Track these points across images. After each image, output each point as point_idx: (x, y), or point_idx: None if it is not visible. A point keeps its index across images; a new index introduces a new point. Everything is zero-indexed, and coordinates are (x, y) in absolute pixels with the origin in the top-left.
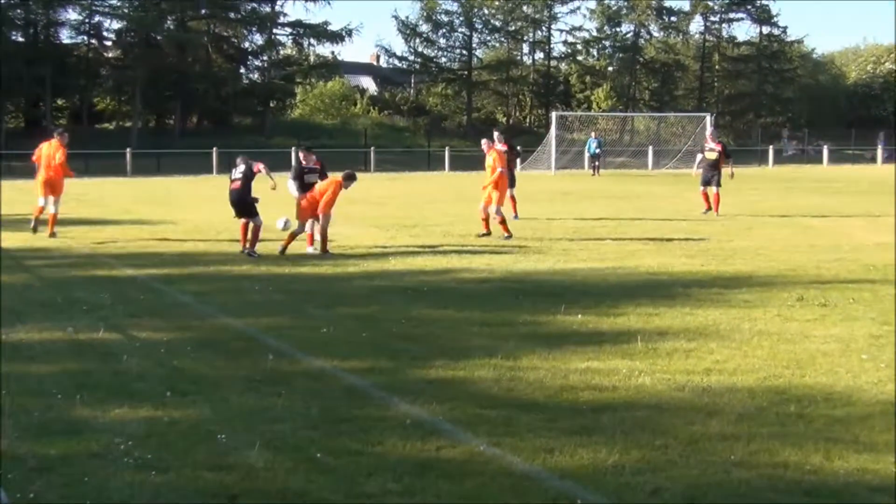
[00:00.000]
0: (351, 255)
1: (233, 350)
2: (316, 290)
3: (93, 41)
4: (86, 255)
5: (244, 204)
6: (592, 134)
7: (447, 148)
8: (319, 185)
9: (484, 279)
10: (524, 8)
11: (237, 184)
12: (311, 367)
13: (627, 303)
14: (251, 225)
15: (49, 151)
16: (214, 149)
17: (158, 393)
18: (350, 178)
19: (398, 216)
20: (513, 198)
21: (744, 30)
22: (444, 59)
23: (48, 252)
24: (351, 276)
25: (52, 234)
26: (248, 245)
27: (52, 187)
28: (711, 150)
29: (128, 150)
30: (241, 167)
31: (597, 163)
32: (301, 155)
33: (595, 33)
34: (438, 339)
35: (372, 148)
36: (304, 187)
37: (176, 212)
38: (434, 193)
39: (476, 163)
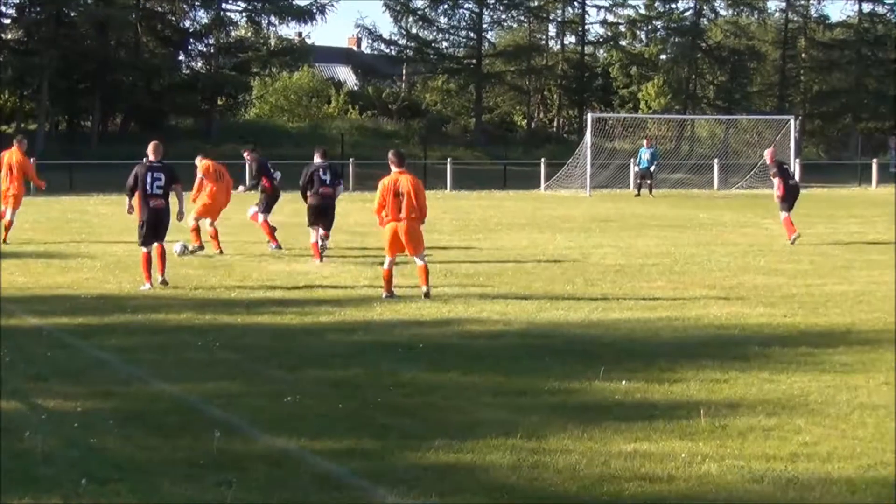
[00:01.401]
0: (323, 300)
1: (168, 425)
2: (277, 347)
3: None
4: None
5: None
6: (645, 142)
7: (449, 160)
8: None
9: (498, 333)
10: None
11: (160, 201)
12: (270, 447)
13: (687, 365)
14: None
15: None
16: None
17: (71, 480)
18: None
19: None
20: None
21: (838, 7)
22: (445, 44)
23: None
24: (323, 328)
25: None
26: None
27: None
28: (775, 173)
29: (32, 159)
30: (162, 178)
31: (649, 180)
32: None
33: (643, 11)
34: (438, 412)
35: (351, 160)
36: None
37: (93, 242)
38: (432, 219)
39: (488, 179)
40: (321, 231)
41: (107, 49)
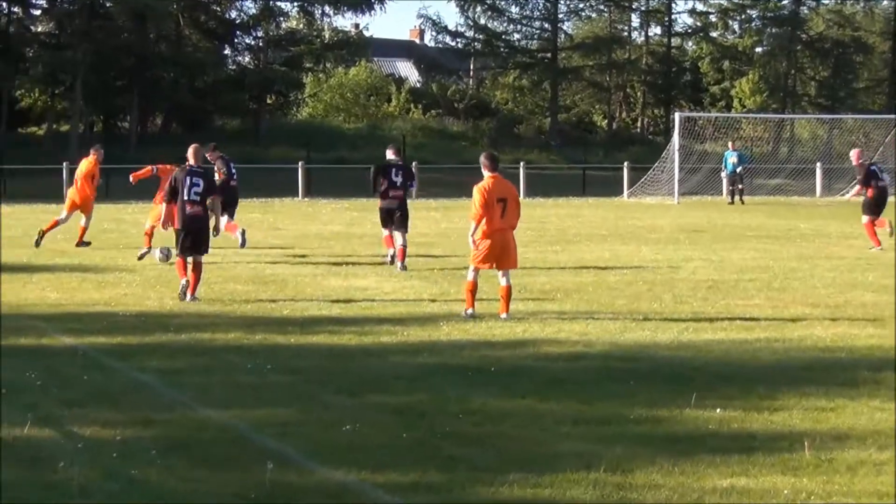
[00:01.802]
0: (384, 318)
1: (215, 455)
2: (334, 370)
3: (15, 10)
4: (3, 317)
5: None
6: (730, 145)
7: (522, 164)
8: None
9: (578, 355)
10: None
11: (198, 209)
12: (328, 480)
13: (788, 392)
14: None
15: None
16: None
17: None
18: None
19: (452, 263)
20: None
21: None
22: (517, 36)
23: None
24: (385, 349)
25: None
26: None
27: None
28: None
29: (64, 164)
30: (201, 184)
31: (739, 185)
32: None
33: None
34: (512, 443)
35: (413, 164)
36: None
37: (133, 254)
38: None
39: (565, 185)
40: (399, 240)
41: (146, 43)
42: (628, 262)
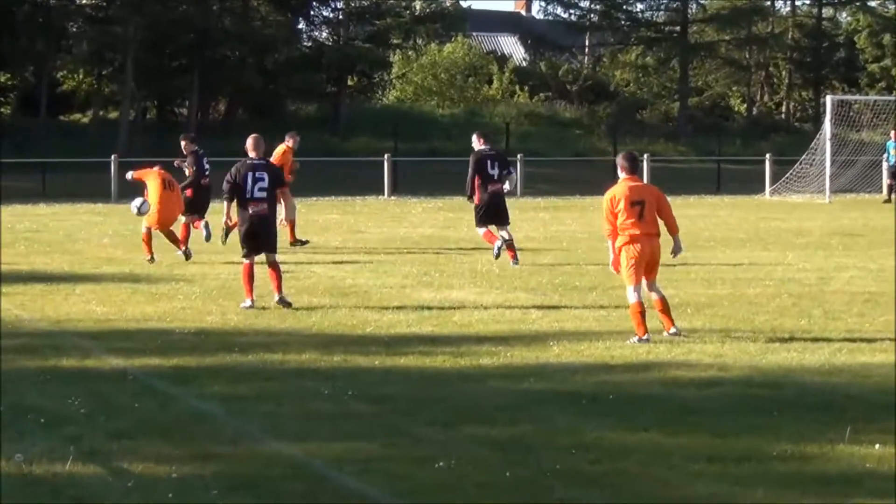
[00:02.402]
0: (483, 337)
1: (286, 495)
2: (426, 398)
3: None
4: (42, 334)
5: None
6: (893, 134)
7: (646, 156)
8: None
9: (712, 380)
10: None
11: (263, 206)
12: None
13: None
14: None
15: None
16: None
17: None
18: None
19: (563, 272)
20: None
21: None
22: (640, 7)
23: None
24: (484, 374)
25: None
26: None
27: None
28: None
29: (112, 157)
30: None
31: (891, 182)
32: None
33: None
34: (633, 483)
35: (519, 156)
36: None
37: (192, 261)
38: None
39: (696, 180)
40: (504, 235)
41: (207, 16)
42: (771, 271)
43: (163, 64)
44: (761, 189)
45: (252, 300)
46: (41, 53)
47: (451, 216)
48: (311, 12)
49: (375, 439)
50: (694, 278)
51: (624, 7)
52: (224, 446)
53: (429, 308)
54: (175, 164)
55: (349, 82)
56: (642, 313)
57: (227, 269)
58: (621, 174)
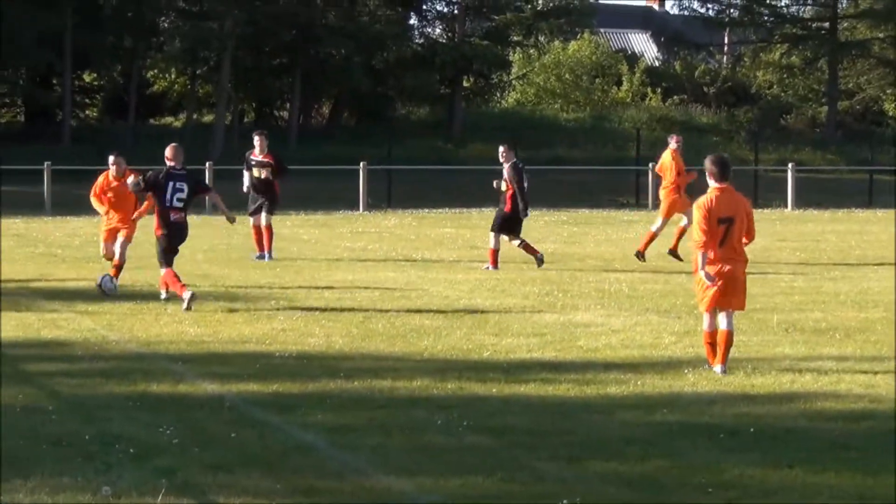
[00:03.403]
0: (611, 364)
1: None
2: (548, 430)
3: None
4: (131, 357)
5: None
6: None
7: (790, 165)
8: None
9: (863, 412)
10: None
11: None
12: None
13: None
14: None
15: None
16: (362, 164)
17: None
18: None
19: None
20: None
21: None
22: (784, 2)
23: (65, 349)
24: (612, 404)
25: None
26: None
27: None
28: None
29: (207, 164)
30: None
31: None
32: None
33: None
34: None
35: (650, 165)
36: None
37: (293, 278)
38: (765, 250)
39: (847, 193)
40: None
41: (311, 11)
42: None
43: (262, 63)
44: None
45: (191, 293)
46: (130, 51)
47: (576, 230)
48: (424, 7)
49: (493, 474)
50: (843, 300)
51: (767, 1)
52: (328, 480)
53: (551, 331)
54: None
55: (465, 83)
56: (712, 344)
57: (332, 288)
58: (711, 181)
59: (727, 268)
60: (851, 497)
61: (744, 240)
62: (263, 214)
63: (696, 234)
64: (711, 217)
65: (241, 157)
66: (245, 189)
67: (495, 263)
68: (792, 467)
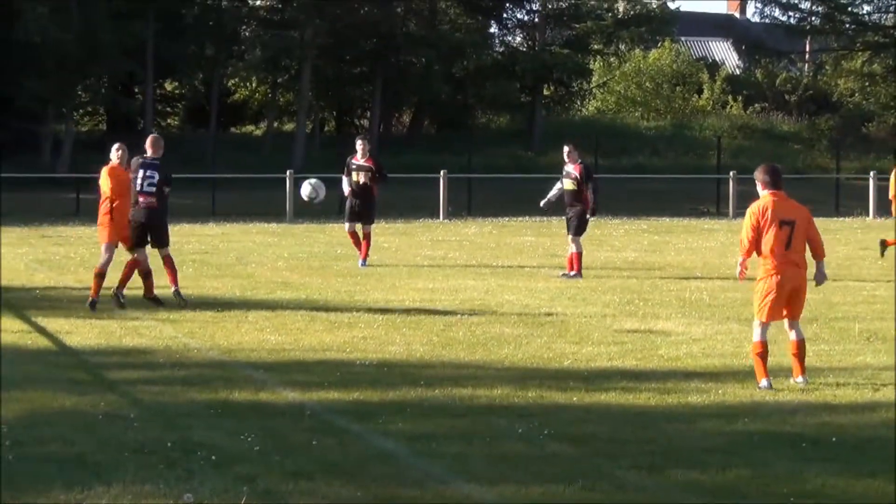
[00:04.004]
0: (692, 373)
1: None
2: (629, 438)
3: None
4: (212, 364)
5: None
6: None
7: (872, 174)
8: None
9: None
10: None
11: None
12: None
13: None
14: None
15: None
16: (442, 172)
17: None
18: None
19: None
20: None
21: None
22: (867, 8)
23: (147, 356)
24: (694, 412)
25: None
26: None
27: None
28: None
29: (288, 173)
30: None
31: None
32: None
33: None
34: None
35: (731, 173)
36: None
37: (373, 286)
38: (847, 258)
39: None
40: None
41: (392, 20)
42: None
43: (342, 71)
44: None
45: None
46: (211, 60)
47: (657, 239)
48: (505, 15)
49: (574, 483)
50: None
51: (849, 9)
52: (409, 489)
53: (632, 340)
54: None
55: (545, 91)
56: (763, 355)
57: (414, 296)
58: (763, 191)
59: (795, 273)
60: None
61: (812, 253)
62: (362, 224)
63: (745, 236)
64: (771, 218)
65: (327, 164)
66: (345, 193)
67: (580, 269)
68: (875, 477)
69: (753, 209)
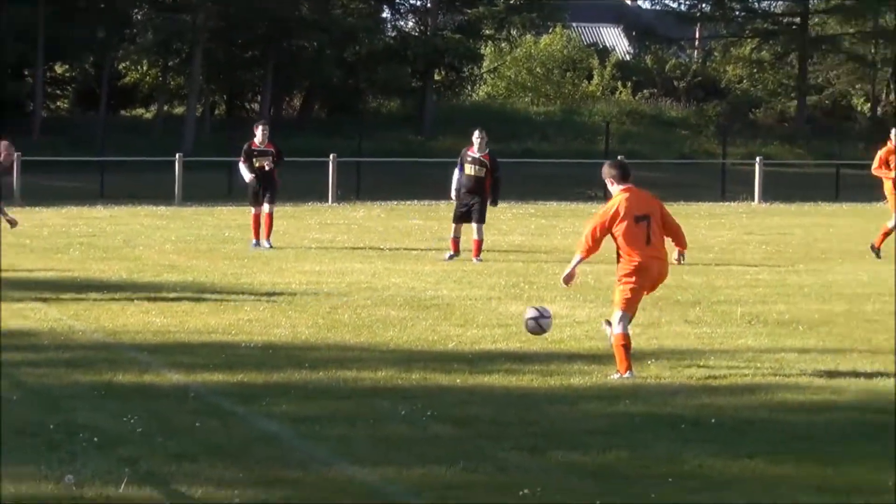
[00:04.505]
0: (575, 355)
1: None
2: (511, 420)
3: None
4: (97, 346)
5: None
6: None
7: (758, 159)
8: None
9: (823, 405)
10: None
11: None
12: None
13: None
14: None
15: None
16: (332, 156)
17: None
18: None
19: (664, 285)
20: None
21: None
22: None
23: (31, 338)
24: (576, 394)
25: None
26: None
27: None
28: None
29: (177, 156)
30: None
31: None
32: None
33: None
34: None
35: (620, 158)
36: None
37: (259, 269)
38: (731, 243)
39: (814, 186)
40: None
41: (284, 4)
42: (892, 287)
43: (234, 55)
44: (884, 197)
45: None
46: (102, 42)
47: (544, 223)
48: (396, 2)
49: (456, 464)
50: (808, 293)
51: None
52: (292, 470)
53: (517, 323)
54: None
55: (436, 76)
56: (627, 347)
57: (300, 279)
58: (613, 186)
59: (660, 266)
60: (810, 488)
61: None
62: (266, 204)
63: (588, 237)
64: (629, 218)
65: (218, 147)
66: (247, 180)
67: (478, 253)
68: (752, 458)
69: (608, 210)
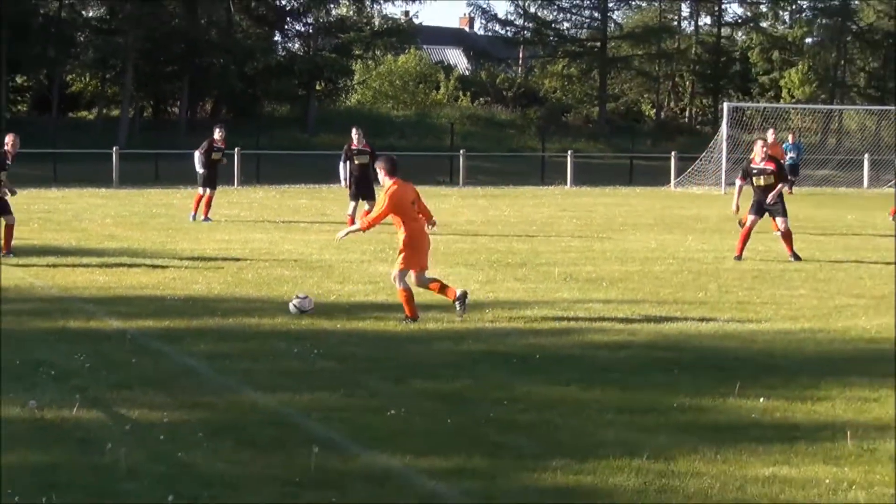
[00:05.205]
0: (430, 305)
1: (261, 439)
2: (380, 356)
3: None
4: (53, 299)
5: None
6: (790, 137)
7: (569, 153)
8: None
9: (622, 344)
10: None
11: None
12: (372, 465)
13: (832, 382)
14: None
15: None
16: (237, 149)
17: (156, 498)
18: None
19: (498, 250)
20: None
21: None
22: (566, 25)
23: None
24: (430, 336)
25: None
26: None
27: None
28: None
29: (114, 149)
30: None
31: (792, 178)
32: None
33: None
34: (556, 430)
35: (461, 151)
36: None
37: (181, 238)
38: (550, 218)
39: (612, 174)
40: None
41: (196, 29)
42: (674, 251)
43: (158, 69)
44: (667, 181)
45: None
46: (53, 59)
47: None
48: (286, 27)
49: (337, 391)
50: (609, 257)
51: (552, 25)
52: (208, 396)
53: (383, 280)
54: None
55: (317, 87)
56: (409, 298)
57: (213, 246)
58: (388, 179)
59: (422, 237)
60: (612, 408)
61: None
62: (210, 190)
63: (380, 217)
64: (403, 201)
65: (146, 142)
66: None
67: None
68: (568, 385)
69: (390, 193)
